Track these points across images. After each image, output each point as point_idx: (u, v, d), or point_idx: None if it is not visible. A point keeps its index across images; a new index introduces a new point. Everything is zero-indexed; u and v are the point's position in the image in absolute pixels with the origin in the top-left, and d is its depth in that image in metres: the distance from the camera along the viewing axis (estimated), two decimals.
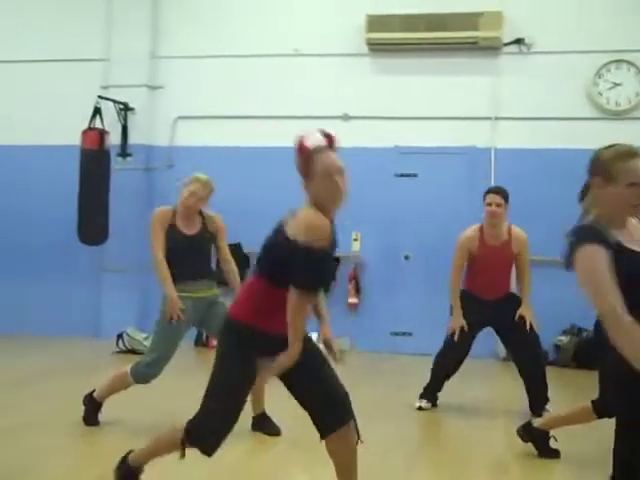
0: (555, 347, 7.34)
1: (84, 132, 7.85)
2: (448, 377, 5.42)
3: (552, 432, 4.26)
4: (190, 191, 4.60)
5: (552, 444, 4.26)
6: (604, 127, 7.46)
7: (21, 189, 8.50)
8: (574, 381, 6.72)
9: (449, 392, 5.54)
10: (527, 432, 4.30)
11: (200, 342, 7.97)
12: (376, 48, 8.02)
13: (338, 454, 3.02)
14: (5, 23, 8.73)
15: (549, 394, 5.24)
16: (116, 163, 8.19)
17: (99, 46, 8.44)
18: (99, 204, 7.92)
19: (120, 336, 7.55)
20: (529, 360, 5.26)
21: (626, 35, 7.60)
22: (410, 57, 8.01)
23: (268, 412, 4.65)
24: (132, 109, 8.31)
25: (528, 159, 7.64)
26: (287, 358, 2.82)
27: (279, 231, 2.89)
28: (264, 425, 4.63)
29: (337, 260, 5.90)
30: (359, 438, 3.01)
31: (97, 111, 7.93)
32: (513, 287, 5.55)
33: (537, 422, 4.33)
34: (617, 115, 7.64)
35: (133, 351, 7.34)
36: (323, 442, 3.01)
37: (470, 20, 7.65)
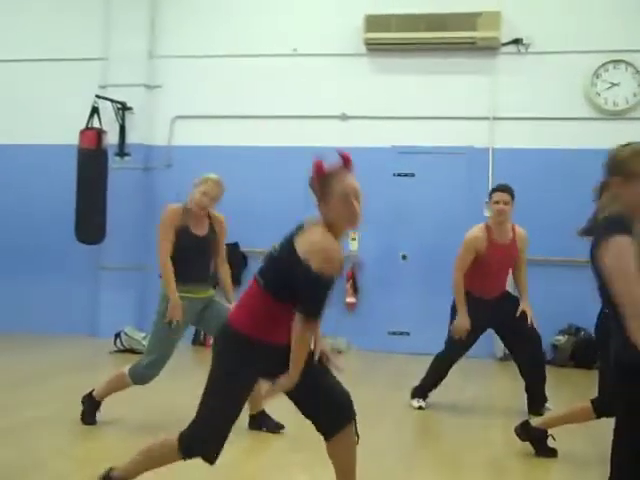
0: (552, 347, 7.35)
1: (82, 131, 7.84)
2: (442, 378, 5.43)
3: (550, 431, 4.27)
4: (202, 191, 4.57)
5: (550, 443, 4.28)
6: (602, 127, 7.46)
7: (19, 188, 8.49)
8: (571, 380, 6.74)
9: (448, 392, 5.56)
10: (525, 431, 4.32)
11: (198, 341, 7.97)
12: (374, 48, 8.01)
13: (339, 455, 3.03)
14: (3, 23, 8.71)
15: (547, 393, 5.25)
16: (114, 162, 8.18)
17: (97, 45, 8.42)
18: (97, 203, 7.92)
19: (118, 335, 7.55)
20: (531, 358, 5.26)
21: (624, 35, 7.60)
22: (408, 57, 8.00)
23: (268, 412, 4.65)
24: (130, 108, 8.30)
25: (526, 159, 7.63)
26: (288, 381, 2.83)
27: (288, 248, 2.82)
28: (265, 423, 4.63)
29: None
30: (358, 438, 3.02)
31: (95, 110, 7.92)
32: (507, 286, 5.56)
33: (536, 421, 4.35)
34: (615, 115, 7.64)
35: (131, 350, 7.33)
36: (323, 442, 3.02)
37: (468, 20, 7.65)
